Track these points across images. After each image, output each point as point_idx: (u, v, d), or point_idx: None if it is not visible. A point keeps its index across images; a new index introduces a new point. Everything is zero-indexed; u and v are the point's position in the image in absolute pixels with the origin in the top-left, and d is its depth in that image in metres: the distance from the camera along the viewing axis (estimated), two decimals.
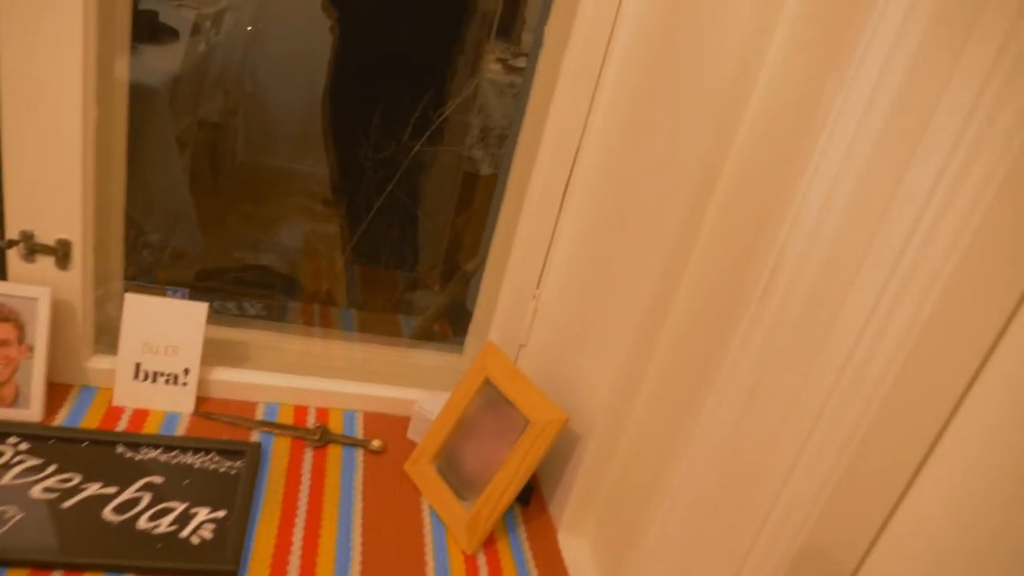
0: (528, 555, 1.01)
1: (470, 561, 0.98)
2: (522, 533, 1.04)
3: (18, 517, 0.86)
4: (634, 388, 0.95)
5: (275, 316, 1.42)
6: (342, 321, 1.41)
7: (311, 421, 1.14)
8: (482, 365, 1.08)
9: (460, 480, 1.04)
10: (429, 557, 0.97)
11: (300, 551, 0.92)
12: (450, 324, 1.45)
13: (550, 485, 1.10)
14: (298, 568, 0.90)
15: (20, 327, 0.99)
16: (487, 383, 1.06)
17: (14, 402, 0.99)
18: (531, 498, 1.10)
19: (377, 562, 0.94)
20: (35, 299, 0.98)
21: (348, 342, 1.28)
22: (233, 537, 0.91)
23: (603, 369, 0.97)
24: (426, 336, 1.47)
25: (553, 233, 1.13)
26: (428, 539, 1.00)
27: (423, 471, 1.07)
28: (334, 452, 1.10)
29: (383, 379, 1.23)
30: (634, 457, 0.95)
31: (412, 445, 1.15)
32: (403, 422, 1.19)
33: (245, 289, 1.49)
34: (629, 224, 0.95)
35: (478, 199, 1.57)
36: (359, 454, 1.11)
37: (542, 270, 1.16)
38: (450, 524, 1.02)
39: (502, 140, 1.51)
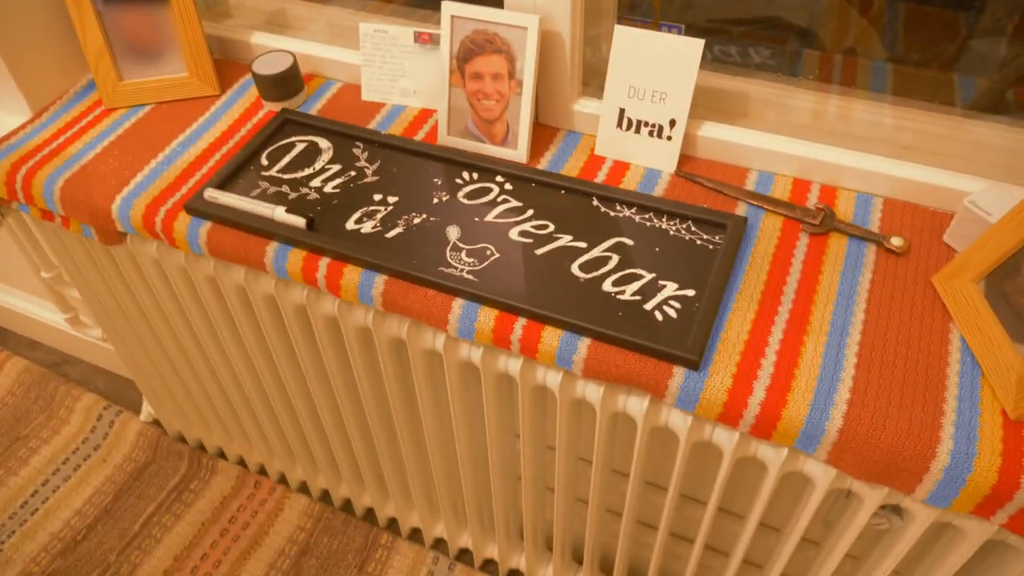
0: None
1: (1013, 428, 0.69)
2: None
3: (496, 256, 0.86)
4: None
5: (785, 67, 1.15)
6: (871, 76, 1.08)
7: (812, 200, 0.91)
8: None
9: (1019, 316, 0.73)
10: (949, 406, 0.71)
11: (775, 356, 0.75)
12: None
13: None
14: (770, 375, 0.74)
15: (511, 61, 0.93)
16: None
17: (504, 141, 0.97)
18: None
19: (874, 391, 0.72)
20: (524, 28, 0.91)
21: (877, 103, 0.97)
22: (700, 323, 0.77)
23: None
24: (993, 105, 1.05)
25: None
26: (952, 380, 0.73)
27: (962, 290, 0.78)
28: (836, 243, 0.86)
29: (921, 157, 0.91)
30: None
31: (950, 252, 0.84)
32: (941, 219, 0.88)
33: (754, 33, 1.24)
34: None
35: None
36: (870, 251, 0.85)
37: None
38: (991, 370, 0.73)
39: None
